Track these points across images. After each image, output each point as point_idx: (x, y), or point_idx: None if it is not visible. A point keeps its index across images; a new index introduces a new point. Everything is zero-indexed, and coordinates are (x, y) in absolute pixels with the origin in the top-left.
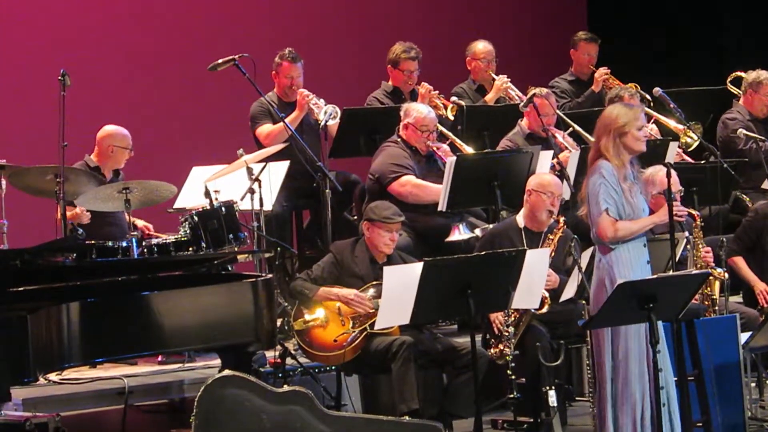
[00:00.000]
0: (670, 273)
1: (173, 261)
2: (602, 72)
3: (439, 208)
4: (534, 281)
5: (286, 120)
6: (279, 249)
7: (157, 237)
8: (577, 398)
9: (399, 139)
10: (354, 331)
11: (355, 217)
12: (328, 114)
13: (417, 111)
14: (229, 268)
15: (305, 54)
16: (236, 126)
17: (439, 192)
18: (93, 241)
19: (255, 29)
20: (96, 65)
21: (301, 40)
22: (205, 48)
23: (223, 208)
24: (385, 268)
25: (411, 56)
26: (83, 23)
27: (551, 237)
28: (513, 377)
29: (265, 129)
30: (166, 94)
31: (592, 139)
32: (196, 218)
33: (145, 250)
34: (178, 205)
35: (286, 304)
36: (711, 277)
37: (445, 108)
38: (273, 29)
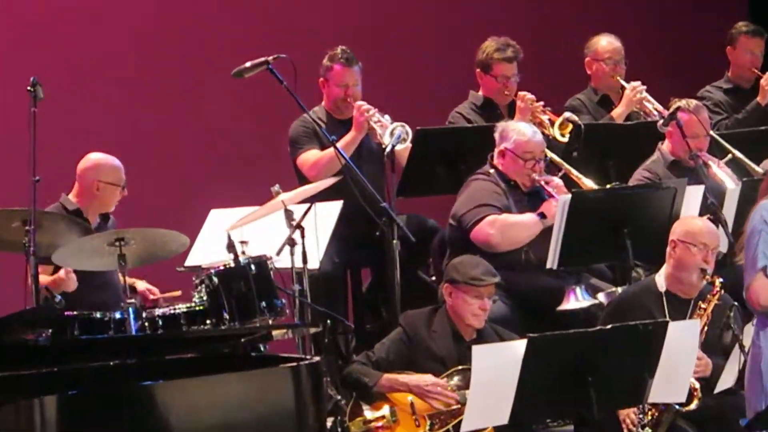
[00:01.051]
0: None
1: (185, 338)
2: None
3: (548, 265)
4: (679, 365)
5: (339, 144)
6: (329, 321)
7: (163, 305)
8: None
9: (492, 170)
10: None
11: (433, 278)
12: (395, 136)
13: (517, 132)
14: (262, 349)
15: (362, 55)
16: (269, 153)
17: (532, 221)
18: (75, 312)
19: (293, 23)
20: (78, 72)
21: (357, 36)
22: (226, 48)
23: (253, 266)
24: (474, 348)
25: (507, 56)
26: (62, 16)
27: (703, 305)
28: None
29: (309, 157)
30: (172, 111)
31: (759, 169)
32: (215, 280)
33: (147, 324)
34: (191, 261)
35: (339, 397)
36: None
37: (553, 124)
38: (317, 22)
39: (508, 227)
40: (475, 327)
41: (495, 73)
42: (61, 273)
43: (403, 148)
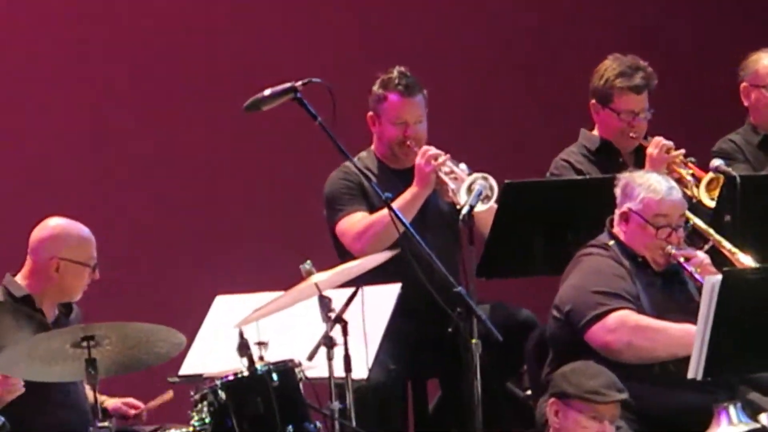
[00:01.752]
0: None
1: None
2: None
3: (689, 375)
4: None
5: (395, 204)
6: None
7: (146, 415)
8: None
9: (612, 242)
10: None
11: (529, 392)
12: (475, 193)
13: (647, 188)
14: None
15: (427, 81)
16: (297, 218)
17: (685, 337)
18: None
19: (327, 38)
20: (33, 95)
21: (418, 56)
22: (237, 72)
23: (275, 376)
24: None
25: (635, 84)
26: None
27: None
28: None
29: (354, 222)
30: (162, 154)
31: None
32: (222, 395)
33: None
34: (188, 369)
35: None
36: None
37: (699, 182)
38: (362, 37)
39: (646, 333)
40: None
41: (617, 107)
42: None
43: (486, 210)
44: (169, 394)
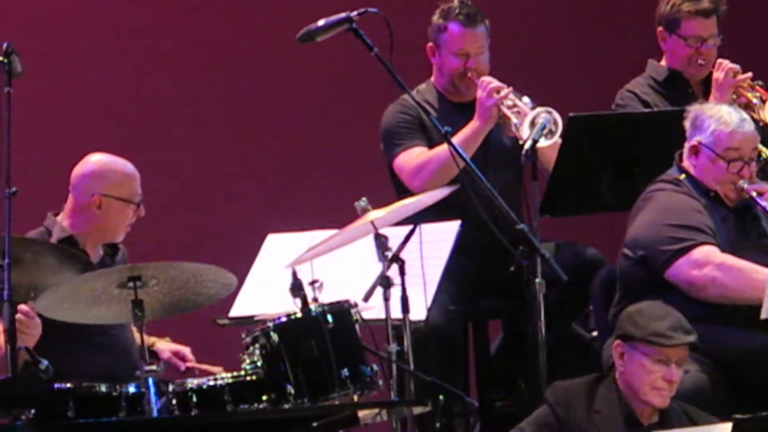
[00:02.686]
0: None
1: (231, 422)
2: None
3: (762, 316)
4: None
5: (455, 139)
6: (441, 397)
7: (198, 373)
8: None
9: (683, 176)
10: None
11: (595, 334)
12: (539, 127)
13: (717, 119)
14: None
15: (487, 12)
16: (351, 153)
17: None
18: (70, 384)
19: None
20: (72, 34)
21: None
22: (294, 2)
23: (330, 318)
24: None
25: (702, 8)
26: None
27: None
28: None
29: (413, 157)
30: (207, 92)
31: None
32: (275, 337)
33: (175, 402)
34: (238, 311)
35: None
36: None
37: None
38: None
39: (732, 271)
40: (657, 406)
41: (684, 33)
42: (22, 307)
43: (550, 145)
44: (219, 369)
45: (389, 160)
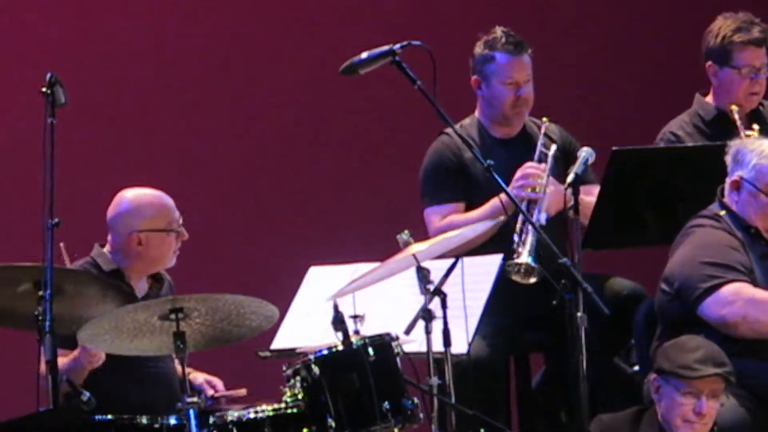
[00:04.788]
0: None
1: None
2: None
3: None
4: None
5: (480, 210)
6: (483, 431)
7: (236, 404)
8: None
9: (723, 212)
10: None
11: (636, 368)
12: (581, 160)
13: (759, 154)
14: None
15: (533, 42)
16: (393, 186)
17: None
18: (111, 416)
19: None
20: (117, 69)
21: (515, 16)
22: (334, 35)
23: (371, 351)
24: None
25: (754, 38)
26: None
27: None
28: None
29: (440, 216)
30: (250, 123)
31: None
32: (316, 370)
33: None
34: (280, 343)
35: None
36: None
37: None
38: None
39: (763, 306)
40: None
41: (738, 64)
42: (78, 351)
43: (588, 202)
44: (243, 391)
45: (422, 205)
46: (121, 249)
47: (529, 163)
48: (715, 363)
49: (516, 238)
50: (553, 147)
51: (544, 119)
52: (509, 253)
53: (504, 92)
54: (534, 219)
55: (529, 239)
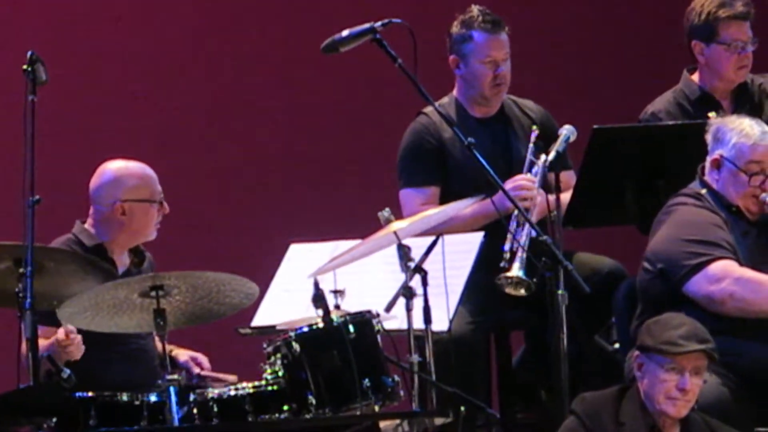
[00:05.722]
0: None
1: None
2: None
3: None
4: None
5: (468, 210)
6: (463, 408)
7: (217, 382)
8: None
9: (704, 190)
10: None
11: (617, 346)
12: (563, 138)
13: (738, 132)
14: None
15: (516, 20)
16: (374, 163)
17: None
18: (92, 393)
19: None
20: (96, 43)
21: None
22: (315, 16)
23: (352, 328)
24: None
25: (739, 12)
26: None
27: None
28: None
29: (416, 201)
30: (230, 99)
31: None
32: (297, 347)
33: (197, 411)
34: (260, 320)
35: None
36: None
37: None
38: None
39: (750, 284)
40: (672, 416)
41: (725, 39)
42: (60, 333)
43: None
44: (233, 377)
45: (399, 186)
46: (104, 220)
47: (521, 176)
48: (698, 339)
49: (506, 247)
50: (543, 157)
51: (534, 128)
52: (488, 230)
53: (482, 71)
54: (525, 232)
55: (519, 253)
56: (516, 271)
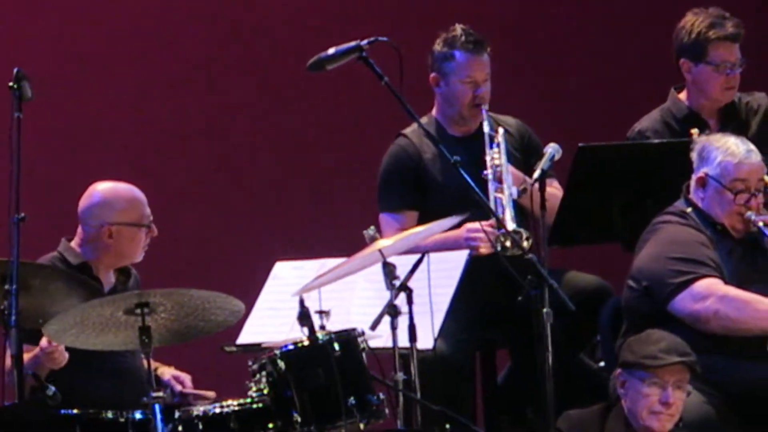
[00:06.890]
0: None
1: None
2: None
3: None
4: None
5: (438, 236)
6: (448, 426)
7: (197, 398)
8: None
9: (689, 209)
10: None
11: (602, 364)
12: (548, 156)
13: (723, 151)
14: None
15: (501, 40)
16: (359, 181)
17: None
18: (77, 410)
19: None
20: (84, 64)
21: (478, 13)
22: (298, 32)
23: (337, 346)
24: None
25: (729, 33)
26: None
27: None
28: None
29: (393, 226)
30: (215, 120)
31: None
32: (282, 365)
33: (181, 428)
34: (246, 338)
35: None
36: None
37: None
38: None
39: (735, 303)
40: (656, 430)
41: (713, 59)
42: (43, 341)
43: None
44: (212, 393)
45: (378, 209)
46: (90, 241)
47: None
48: (679, 353)
49: (496, 208)
50: (501, 130)
51: (484, 105)
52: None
53: (462, 90)
54: (506, 188)
55: (508, 209)
56: (510, 223)
